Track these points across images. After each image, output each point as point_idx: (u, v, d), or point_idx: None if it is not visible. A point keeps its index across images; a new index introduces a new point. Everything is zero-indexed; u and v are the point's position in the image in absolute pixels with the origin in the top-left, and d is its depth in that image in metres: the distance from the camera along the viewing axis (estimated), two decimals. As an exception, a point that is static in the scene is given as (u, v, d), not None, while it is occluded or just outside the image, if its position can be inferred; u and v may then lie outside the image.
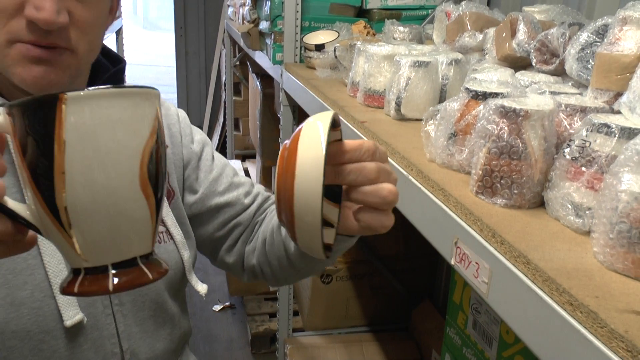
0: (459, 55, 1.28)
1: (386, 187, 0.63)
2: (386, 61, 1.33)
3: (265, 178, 3.43)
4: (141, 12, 17.45)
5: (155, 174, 0.49)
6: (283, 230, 0.89)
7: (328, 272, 2.27)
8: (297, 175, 0.55)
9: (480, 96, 0.90)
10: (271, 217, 0.98)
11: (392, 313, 2.47)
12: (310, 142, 0.56)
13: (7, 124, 0.46)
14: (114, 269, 0.48)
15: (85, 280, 0.48)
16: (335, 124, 0.61)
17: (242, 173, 3.75)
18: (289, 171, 0.56)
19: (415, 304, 2.42)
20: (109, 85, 0.45)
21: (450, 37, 1.50)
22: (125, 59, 0.94)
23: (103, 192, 0.45)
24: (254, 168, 3.86)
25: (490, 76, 1.08)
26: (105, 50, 0.89)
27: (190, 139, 1.00)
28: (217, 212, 0.99)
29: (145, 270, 0.50)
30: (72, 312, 0.77)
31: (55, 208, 0.45)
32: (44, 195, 0.45)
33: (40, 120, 0.43)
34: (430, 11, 2.14)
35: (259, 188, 1.06)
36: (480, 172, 0.81)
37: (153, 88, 0.49)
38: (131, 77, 7.29)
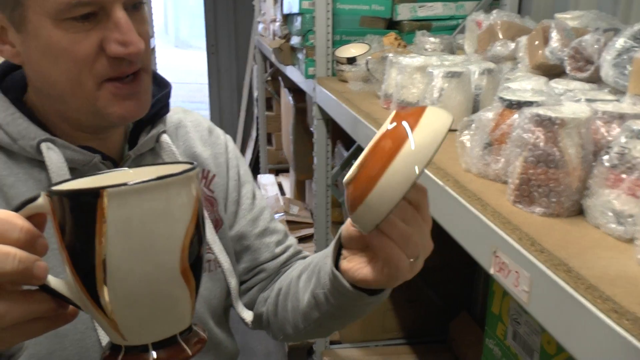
0: (492, 65, 1.28)
1: (408, 265, 0.61)
2: (419, 72, 1.33)
3: (299, 191, 3.45)
4: (172, 31, 17.74)
5: (196, 256, 0.49)
6: (300, 281, 0.86)
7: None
8: (402, 152, 0.53)
9: (515, 105, 0.89)
10: (292, 270, 0.95)
11: (429, 325, 2.45)
12: (430, 128, 0.54)
13: (48, 206, 0.46)
14: (154, 348, 0.49)
15: (125, 358, 0.49)
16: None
17: (276, 187, 3.77)
18: (397, 142, 0.54)
19: (453, 316, 2.40)
20: (149, 179, 0.44)
21: (482, 46, 1.49)
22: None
23: (143, 281, 0.45)
24: (287, 182, 3.89)
25: (524, 85, 1.07)
26: (152, 74, 0.91)
27: (236, 171, 0.99)
28: (246, 253, 0.98)
29: (185, 346, 0.50)
30: None
31: (96, 293, 0.46)
32: (84, 280, 0.45)
33: (81, 212, 0.44)
34: (460, 21, 2.14)
35: (292, 240, 1.04)
36: (517, 181, 0.80)
37: (192, 167, 0.48)
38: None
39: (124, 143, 0.87)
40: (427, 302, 2.41)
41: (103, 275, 0.45)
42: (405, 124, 0.55)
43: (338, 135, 2.22)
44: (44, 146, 0.76)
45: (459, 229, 0.89)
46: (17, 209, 0.46)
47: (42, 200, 0.46)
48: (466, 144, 0.97)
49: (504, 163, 0.88)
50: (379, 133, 0.57)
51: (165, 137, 0.89)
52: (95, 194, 0.43)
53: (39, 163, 0.78)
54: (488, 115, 0.93)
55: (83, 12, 0.69)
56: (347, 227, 0.66)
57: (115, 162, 0.84)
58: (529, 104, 0.87)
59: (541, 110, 0.79)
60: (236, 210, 0.98)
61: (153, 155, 0.89)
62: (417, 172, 0.53)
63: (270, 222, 1.01)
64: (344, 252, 0.69)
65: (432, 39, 1.81)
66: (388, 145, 0.55)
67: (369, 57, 1.72)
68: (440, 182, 0.94)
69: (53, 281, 0.47)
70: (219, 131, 1.02)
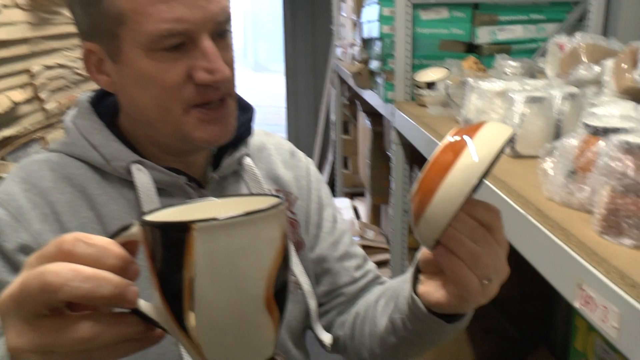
0: (575, 89, 1.24)
1: (479, 287, 0.60)
2: (499, 97, 1.31)
3: (375, 216, 3.43)
4: (251, 54, 18.20)
5: (281, 288, 0.49)
6: (378, 306, 0.86)
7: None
8: (457, 165, 0.54)
9: (601, 132, 0.86)
10: (370, 294, 0.95)
11: (505, 358, 2.37)
12: (485, 141, 0.55)
13: (140, 234, 0.48)
14: None
15: None
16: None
17: (351, 211, 3.77)
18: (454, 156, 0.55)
19: (531, 350, 2.31)
20: (237, 215, 0.45)
21: (564, 70, 1.45)
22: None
23: (227, 309, 0.46)
24: (363, 206, 3.88)
25: (610, 110, 1.03)
26: (236, 97, 0.93)
27: (318, 194, 1.01)
28: (326, 276, 0.99)
29: None
30: None
31: (183, 321, 0.47)
32: (172, 308, 0.47)
33: (170, 243, 0.45)
34: (541, 44, 2.09)
35: (371, 265, 1.04)
36: (604, 211, 0.77)
37: (279, 202, 0.49)
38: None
39: (208, 165, 0.90)
40: (503, 333, 2.33)
41: (190, 302, 0.46)
42: (463, 136, 0.56)
43: (415, 159, 2.20)
44: (134, 167, 0.80)
45: (540, 259, 0.86)
46: (112, 236, 0.49)
47: (135, 229, 0.48)
48: (548, 171, 0.94)
49: (589, 192, 0.85)
50: (439, 147, 0.57)
51: (248, 160, 0.91)
52: (184, 228, 0.44)
53: (129, 183, 0.82)
54: (572, 141, 0.90)
55: (173, 42, 0.73)
56: (423, 250, 0.66)
57: (200, 184, 0.87)
58: (617, 130, 0.83)
59: (630, 137, 0.75)
60: (317, 233, 0.99)
61: (236, 178, 0.91)
62: (473, 183, 0.53)
63: (351, 246, 1.01)
64: (421, 277, 0.68)
65: (512, 63, 1.77)
66: (445, 157, 0.55)
67: (448, 82, 1.70)
68: (520, 210, 0.91)
69: (143, 305, 0.49)
70: (300, 154, 1.03)
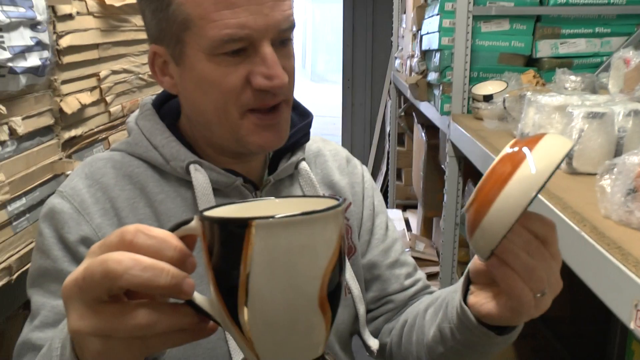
0: (639, 106, 1.21)
1: (532, 300, 0.59)
2: (558, 112, 1.29)
3: (426, 228, 3.40)
4: (309, 65, 18.33)
5: (335, 288, 0.50)
6: (427, 314, 0.86)
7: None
8: (516, 176, 0.54)
9: (664, 150, 0.84)
10: (419, 303, 0.95)
11: (556, 379, 2.30)
12: (545, 153, 0.55)
13: (199, 228, 0.49)
14: None
15: None
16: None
17: (403, 223, 3.76)
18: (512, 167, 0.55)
19: (584, 372, 2.24)
20: (296, 214, 0.46)
21: (629, 85, 1.41)
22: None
23: (282, 306, 0.47)
24: (414, 218, 3.85)
25: (676, 128, 1.00)
26: (295, 104, 0.94)
27: (371, 201, 1.02)
28: (375, 282, 0.99)
29: None
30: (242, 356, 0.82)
31: (236, 316, 0.48)
32: (227, 302, 0.48)
33: (229, 239, 0.46)
34: (605, 58, 2.04)
35: (421, 274, 1.04)
36: (664, 231, 0.75)
37: (338, 203, 0.49)
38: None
39: (264, 168, 0.92)
40: (553, 354, 2.26)
41: (245, 297, 0.47)
42: (523, 148, 0.55)
43: (470, 173, 2.18)
44: (192, 167, 0.83)
45: (595, 279, 0.84)
46: (172, 229, 0.50)
47: (195, 223, 0.50)
48: (607, 189, 0.92)
49: (649, 211, 0.83)
50: (497, 157, 0.57)
51: (304, 165, 0.93)
52: (244, 224, 0.45)
53: (187, 183, 0.85)
54: (633, 159, 0.88)
55: (234, 47, 0.76)
56: (475, 260, 0.66)
57: (256, 186, 0.89)
58: (680, 149, 0.81)
59: (694, 157, 0.73)
60: (369, 239, 1.00)
61: (291, 181, 0.93)
62: (531, 195, 0.53)
63: (401, 255, 1.02)
64: (472, 287, 0.68)
65: (572, 77, 1.73)
66: (504, 168, 0.55)
67: (506, 95, 1.68)
68: (576, 228, 0.90)
69: (198, 297, 0.51)
70: (356, 161, 1.05)
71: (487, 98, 1.86)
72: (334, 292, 0.50)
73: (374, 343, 0.94)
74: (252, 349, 0.50)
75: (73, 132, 1.43)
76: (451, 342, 0.76)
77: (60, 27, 1.36)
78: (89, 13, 1.50)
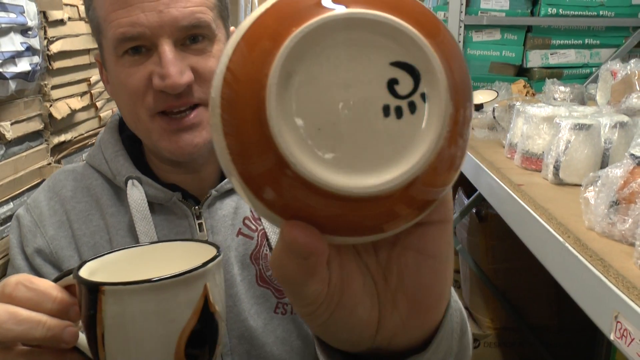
0: (625, 118, 1.22)
1: None
2: (545, 123, 1.30)
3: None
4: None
5: (197, 352, 0.49)
6: None
7: (476, 337, 2.18)
8: None
9: (647, 163, 0.85)
10: None
11: (544, 387, 2.31)
12: None
13: (75, 282, 0.50)
14: None
15: None
16: None
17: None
18: None
19: (571, 380, 2.25)
20: (149, 279, 0.45)
21: (616, 97, 1.43)
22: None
23: None
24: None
25: (660, 141, 1.01)
26: None
27: None
28: None
29: None
30: None
31: None
32: (92, 352, 0.49)
33: (87, 298, 0.47)
34: (594, 69, 2.06)
35: None
36: (645, 244, 0.76)
37: (196, 267, 0.47)
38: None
39: (219, 181, 0.86)
40: (542, 363, 2.27)
41: (103, 353, 0.48)
42: None
43: (459, 182, 2.19)
44: (129, 183, 0.81)
45: (578, 289, 0.85)
46: (56, 279, 0.52)
47: (72, 277, 0.51)
48: (590, 201, 0.93)
49: (632, 224, 0.84)
50: None
51: None
52: (95, 288, 0.46)
53: None
54: (616, 172, 0.89)
55: (130, 46, 0.73)
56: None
57: (197, 200, 0.84)
58: (663, 163, 0.82)
59: (675, 171, 0.74)
60: None
61: (233, 197, 0.86)
62: None
63: None
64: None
65: (562, 88, 1.75)
66: None
67: (496, 105, 1.69)
68: (560, 238, 0.91)
69: (83, 342, 0.52)
70: None
71: (478, 107, 1.87)
72: (194, 345, 0.49)
73: None
74: None
75: (62, 137, 1.43)
76: None
77: (52, 32, 1.36)
78: (81, 18, 1.50)
